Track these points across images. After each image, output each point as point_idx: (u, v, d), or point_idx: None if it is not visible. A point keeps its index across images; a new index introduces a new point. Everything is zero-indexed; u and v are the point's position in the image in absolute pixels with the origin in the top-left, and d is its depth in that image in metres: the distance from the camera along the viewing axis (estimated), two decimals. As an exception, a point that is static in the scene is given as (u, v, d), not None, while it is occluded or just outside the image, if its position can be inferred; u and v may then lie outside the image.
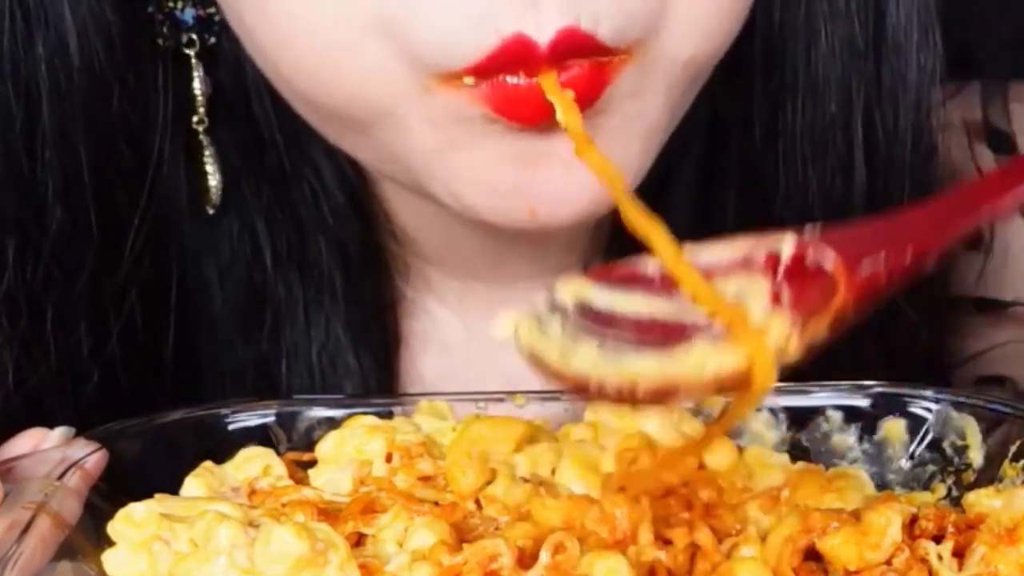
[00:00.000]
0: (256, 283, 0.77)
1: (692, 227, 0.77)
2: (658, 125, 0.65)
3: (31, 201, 0.71)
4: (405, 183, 0.68)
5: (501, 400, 0.64)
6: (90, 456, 0.58)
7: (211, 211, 0.76)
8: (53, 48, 0.70)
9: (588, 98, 0.60)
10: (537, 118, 0.60)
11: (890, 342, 0.78)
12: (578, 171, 0.60)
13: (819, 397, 0.64)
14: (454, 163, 0.63)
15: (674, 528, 0.55)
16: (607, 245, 0.79)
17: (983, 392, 0.75)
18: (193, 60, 0.73)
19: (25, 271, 0.72)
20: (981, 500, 0.57)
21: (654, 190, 0.75)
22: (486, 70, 0.59)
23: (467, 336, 0.81)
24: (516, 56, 0.58)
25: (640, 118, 0.63)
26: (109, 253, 0.73)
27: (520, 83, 0.59)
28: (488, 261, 0.79)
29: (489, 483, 0.57)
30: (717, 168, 0.75)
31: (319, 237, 0.77)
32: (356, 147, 0.68)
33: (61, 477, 0.56)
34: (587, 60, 0.59)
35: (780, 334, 0.47)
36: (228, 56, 0.74)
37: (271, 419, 0.63)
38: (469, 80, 0.59)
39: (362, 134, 0.65)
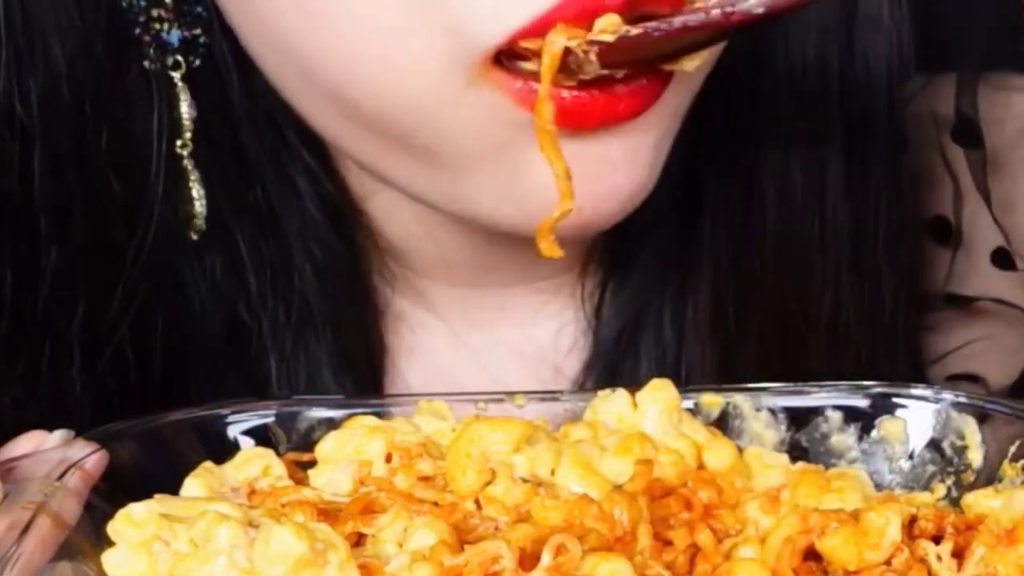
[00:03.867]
0: (241, 313, 0.77)
1: (674, 205, 0.78)
2: (677, 118, 0.66)
3: (27, 239, 0.71)
4: (424, 195, 0.68)
5: (501, 400, 0.64)
6: (90, 456, 0.58)
7: (195, 237, 0.75)
8: (44, 81, 0.70)
9: (648, 103, 0.61)
10: (594, 125, 0.61)
11: (871, 332, 0.78)
12: (628, 171, 0.62)
13: (818, 397, 0.64)
14: (499, 166, 0.63)
15: (674, 529, 0.55)
16: (600, 252, 0.79)
17: (983, 392, 0.75)
18: (179, 83, 0.73)
19: (24, 310, 0.72)
20: (980, 501, 0.57)
21: None
22: (545, 26, 0.58)
23: (456, 344, 0.81)
24: (584, 7, 0.58)
25: (669, 112, 0.64)
26: (103, 289, 0.73)
27: (582, 95, 0.60)
28: (480, 270, 0.78)
29: (489, 483, 0.57)
30: (699, 149, 0.76)
31: (303, 265, 0.76)
32: (385, 157, 0.67)
33: (61, 477, 0.56)
34: (646, 75, 0.60)
35: None
36: (211, 80, 0.73)
37: (271, 419, 0.63)
38: (529, 64, 0.59)
39: (397, 139, 0.64)
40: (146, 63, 0.72)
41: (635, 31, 0.59)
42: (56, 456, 0.57)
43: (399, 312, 0.80)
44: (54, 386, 0.73)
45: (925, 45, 0.78)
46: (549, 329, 0.81)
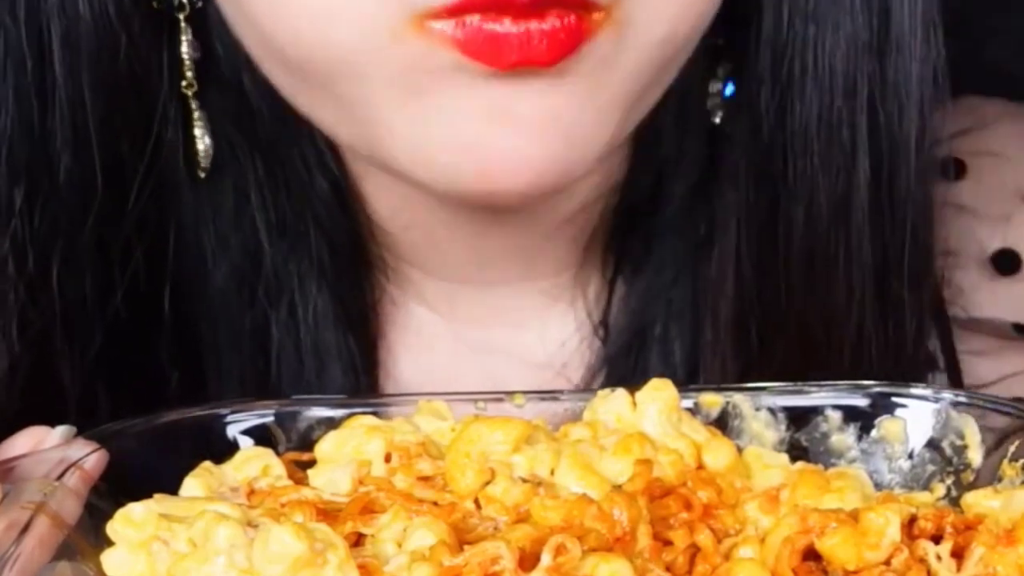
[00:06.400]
0: (250, 252, 0.77)
1: (696, 225, 0.78)
2: (627, 100, 0.64)
3: (41, 148, 0.72)
4: (363, 148, 0.68)
5: (500, 400, 0.63)
6: (89, 456, 0.57)
7: (202, 175, 0.76)
8: None
9: (565, 47, 0.60)
10: (511, 63, 0.59)
11: (893, 362, 0.78)
12: (541, 135, 0.61)
13: (818, 397, 0.64)
14: (413, 114, 0.62)
15: (674, 529, 0.55)
16: (603, 252, 0.79)
17: (982, 392, 0.75)
18: (182, 23, 0.74)
19: (33, 218, 0.72)
20: (980, 500, 0.57)
21: (651, 189, 0.75)
22: (465, 8, 0.59)
23: (453, 339, 0.80)
24: None
25: (608, 88, 0.63)
26: (113, 205, 0.73)
27: (497, 28, 0.59)
28: (474, 264, 0.78)
29: (488, 483, 0.57)
30: (722, 163, 0.76)
31: (308, 212, 0.77)
32: (317, 105, 0.68)
33: (60, 477, 0.56)
34: (567, 13, 0.59)
35: None
36: (217, 23, 0.74)
37: (270, 419, 0.63)
38: (446, 24, 0.59)
39: (323, 88, 0.65)
40: (154, 3, 0.73)
41: None
42: (55, 456, 0.57)
43: (397, 301, 0.80)
44: (64, 299, 0.73)
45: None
46: (549, 333, 0.81)
